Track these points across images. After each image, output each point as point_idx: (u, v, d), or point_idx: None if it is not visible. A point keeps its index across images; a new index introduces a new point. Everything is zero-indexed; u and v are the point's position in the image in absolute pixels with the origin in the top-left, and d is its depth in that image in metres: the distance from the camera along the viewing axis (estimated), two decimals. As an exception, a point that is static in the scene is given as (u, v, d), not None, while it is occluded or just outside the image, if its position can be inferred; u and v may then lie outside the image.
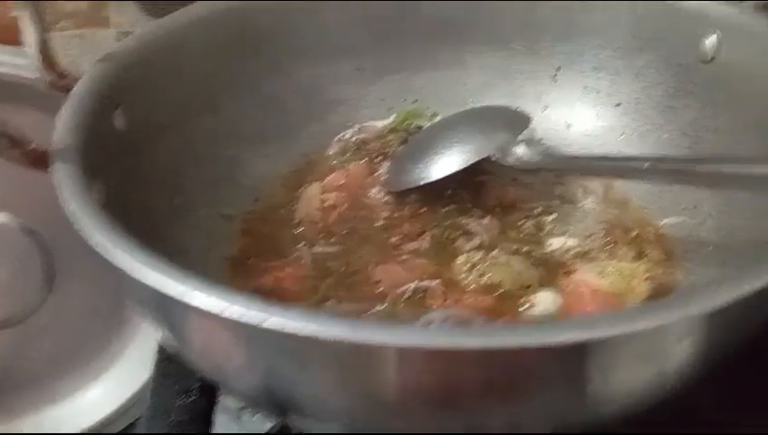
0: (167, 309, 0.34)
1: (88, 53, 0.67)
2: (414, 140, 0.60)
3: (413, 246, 0.52)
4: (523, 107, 0.62)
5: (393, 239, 0.53)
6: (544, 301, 0.47)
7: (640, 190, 0.54)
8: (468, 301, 0.47)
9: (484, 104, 0.63)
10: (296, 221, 0.54)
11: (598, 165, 0.51)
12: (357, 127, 0.63)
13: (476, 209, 0.54)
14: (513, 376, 0.32)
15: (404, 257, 0.51)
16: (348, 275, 0.50)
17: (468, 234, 0.53)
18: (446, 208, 0.55)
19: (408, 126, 0.63)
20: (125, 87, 0.48)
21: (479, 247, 0.51)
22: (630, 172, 0.47)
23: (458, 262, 0.50)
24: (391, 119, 0.63)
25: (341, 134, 0.62)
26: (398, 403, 0.33)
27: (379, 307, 0.47)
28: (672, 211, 0.52)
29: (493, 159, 0.53)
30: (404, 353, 0.31)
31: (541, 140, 0.61)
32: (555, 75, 0.62)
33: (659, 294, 0.46)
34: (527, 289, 0.48)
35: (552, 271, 0.49)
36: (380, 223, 0.55)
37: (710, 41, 0.52)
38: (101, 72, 0.47)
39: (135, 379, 0.72)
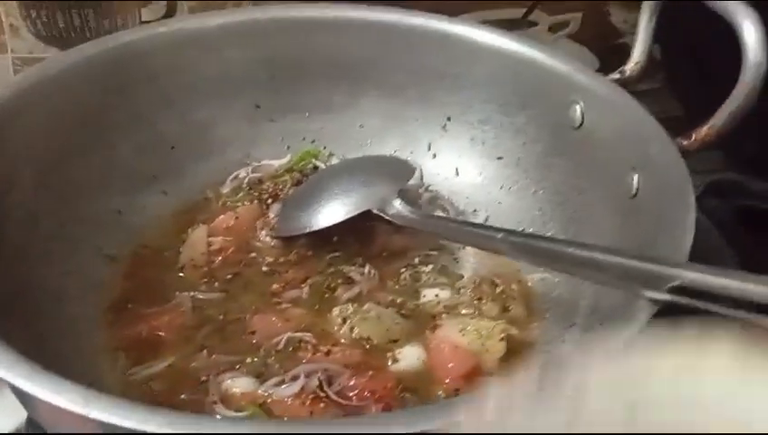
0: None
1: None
2: (304, 185, 0.61)
3: (293, 294, 0.54)
4: (415, 152, 0.65)
5: (275, 286, 0.54)
6: (410, 356, 0.49)
7: None
8: (338, 355, 0.49)
9: (380, 146, 0.66)
10: (180, 265, 0.55)
11: (463, 230, 0.54)
12: (252, 166, 0.64)
13: (360, 257, 0.56)
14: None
15: (283, 306, 0.53)
16: (225, 324, 0.51)
17: (349, 282, 0.55)
18: (332, 255, 0.57)
19: (304, 166, 0.64)
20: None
21: (355, 299, 0.53)
22: (488, 242, 0.49)
23: (333, 314, 0.52)
24: (287, 158, 0.65)
25: (236, 173, 0.63)
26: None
27: (250, 359, 0.49)
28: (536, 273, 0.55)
29: (374, 211, 0.55)
30: None
31: (429, 186, 0.63)
32: (445, 125, 0.64)
33: (515, 352, 0.49)
34: (394, 343, 0.50)
35: (420, 324, 0.52)
36: (265, 268, 0.56)
37: (577, 108, 0.55)
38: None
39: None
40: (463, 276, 0.56)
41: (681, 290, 0.36)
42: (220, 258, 0.56)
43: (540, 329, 0.52)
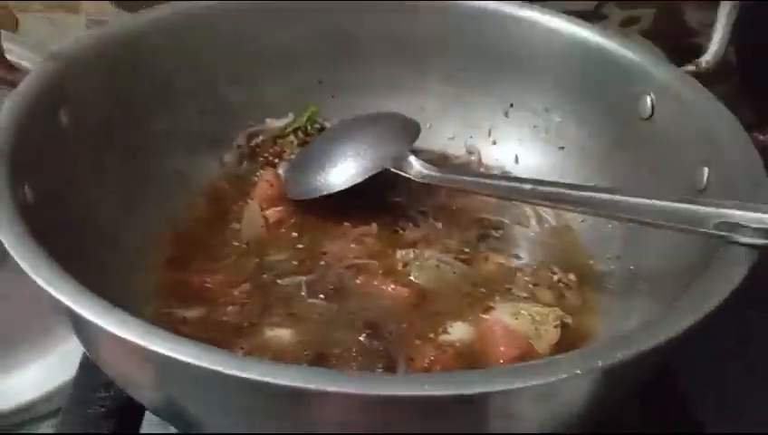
0: (77, 323, 0.35)
1: (56, 37, 0.68)
2: (312, 146, 0.61)
3: (363, 230, 0.56)
4: (475, 137, 0.65)
5: (345, 224, 0.56)
6: (460, 331, 0.49)
7: (587, 229, 0.57)
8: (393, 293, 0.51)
9: (440, 130, 0.65)
10: (245, 242, 0.56)
11: (485, 183, 0.53)
12: (255, 128, 0.63)
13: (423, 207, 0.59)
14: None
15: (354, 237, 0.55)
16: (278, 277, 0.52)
17: (416, 225, 0.57)
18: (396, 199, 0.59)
19: (308, 125, 0.64)
20: (71, 86, 0.49)
21: (420, 243, 0.55)
22: (516, 193, 0.50)
23: (396, 256, 0.54)
24: (290, 118, 0.64)
25: (237, 138, 0.63)
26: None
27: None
28: (601, 257, 0.55)
29: (392, 169, 0.55)
30: (298, 394, 0.31)
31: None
32: (507, 111, 0.64)
33: (569, 340, 0.49)
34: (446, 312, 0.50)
35: (478, 287, 0.52)
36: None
37: (647, 99, 0.53)
38: (47, 71, 0.48)
39: (66, 370, 0.73)
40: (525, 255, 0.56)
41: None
42: (282, 230, 0.57)
43: (595, 321, 0.51)
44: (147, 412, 0.50)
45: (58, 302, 0.33)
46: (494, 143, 0.64)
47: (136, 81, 0.55)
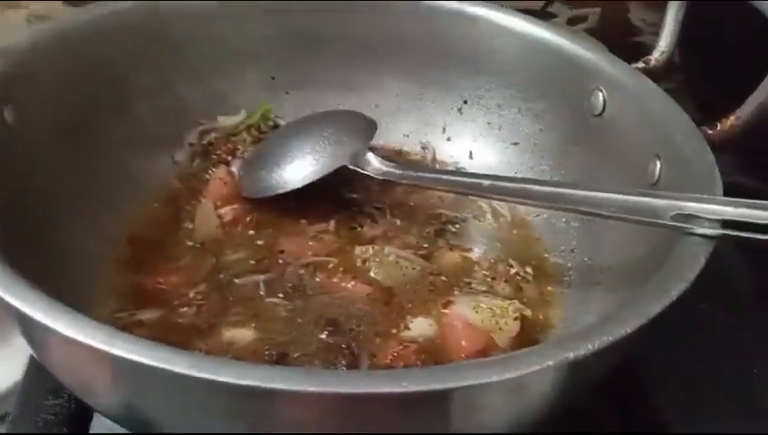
0: (27, 326, 0.34)
1: (-3, 34, 0.66)
2: (267, 143, 0.61)
3: (320, 227, 0.56)
4: (430, 135, 0.65)
5: (302, 221, 0.56)
6: (422, 327, 0.49)
7: (542, 222, 0.58)
8: (353, 289, 0.51)
9: (395, 127, 0.65)
10: (199, 242, 0.54)
11: (445, 179, 0.54)
12: (206, 125, 0.62)
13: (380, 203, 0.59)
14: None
15: (311, 234, 0.55)
16: (236, 277, 0.51)
17: (374, 222, 0.57)
18: (351, 195, 0.59)
19: (262, 123, 0.63)
20: (17, 84, 0.47)
21: (379, 240, 0.55)
22: (474, 189, 0.50)
23: (356, 253, 0.54)
24: (242, 115, 0.63)
25: (188, 136, 0.61)
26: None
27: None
28: (556, 250, 0.55)
29: (350, 166, 0.55)
30: (267, 394, 0.30)
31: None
32: (461, 108, 0.64)
33: (528, 333, 0.49)
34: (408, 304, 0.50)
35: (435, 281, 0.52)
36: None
37: (599, 95, 0.55)
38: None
39: (11, 374, 0.70)
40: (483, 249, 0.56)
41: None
42: (238, 228, 0.56)
43: (552, 312, 0.52)
44: (95, 416, 0.48)
45: (8, 304, 0.32)
46: (449, 140, 0.65)
47: (85, 79, 0.54)
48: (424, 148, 0.65)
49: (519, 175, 0.60)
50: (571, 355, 0.31)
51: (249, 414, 0.32)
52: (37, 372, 0.49)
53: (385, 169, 0.54)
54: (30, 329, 0.34)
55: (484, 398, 0.32)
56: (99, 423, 0.48)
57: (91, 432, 0.48)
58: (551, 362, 0.31)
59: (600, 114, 0.55)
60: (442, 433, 0.33)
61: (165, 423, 0.35)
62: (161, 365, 0.29)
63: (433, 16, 0.62)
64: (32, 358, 0.50)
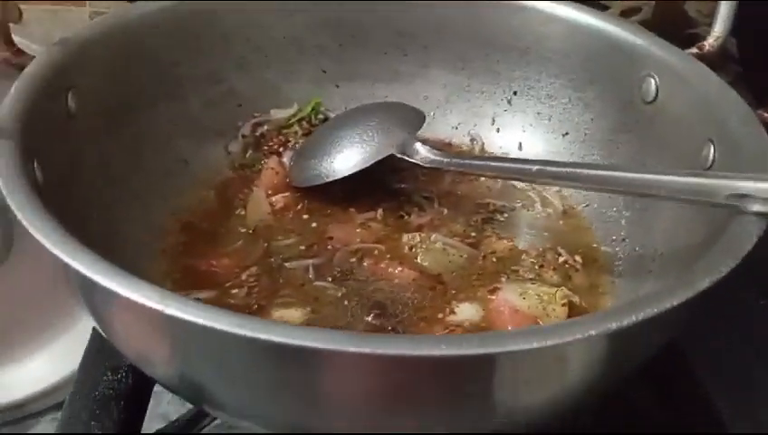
0: (88, 291, 0.35)
1: (60, 29, 0.68)
2: (316, 134, 0.62)
3: (368, 215, 0.56)
4: (479, 126, 0.65)
5: (351, 209, 0.57)
6: (467, 311, 0.49)
7: (592, 212, 0.57)
8: (400, 275, 0.51)
9: (444, 118, 0.66)
10: (251, 228, 0.56)
11: (493, 165, 0.54)
12: (259, 118, 0.63)
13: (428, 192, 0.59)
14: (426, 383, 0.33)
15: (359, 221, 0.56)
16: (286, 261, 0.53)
17: (421, 210, 0.57)
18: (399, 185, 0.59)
19: (312, 116, 0.64)
20: (78, 72, 0.49)
21: (425, 227, 0.56)
22: (523, 174, 0.51)
23: (403, 240, 0.54)
24: (294, 108, 0.64)
25: (241, 127, 0.63)
26: (310, 403, 0.35)
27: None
28: (607, 239, 0.55)
29: (398, 155, 0.55)
30: (315, 355, 0.31)
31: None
32: (511, 99, 0.64)
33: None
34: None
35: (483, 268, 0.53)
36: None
37: (651, 82, 0.54)
38: (55, 55, 0.48)
39: (78, 355, 0.73)
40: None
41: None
42: (289, 215, 0.57)
43: (603, 301, 0.51)
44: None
45: (75, 272, 0.33)
46: (498, 131, 0.65)
47: (141, 69, 0.56)
48: (472, 140, 0.65)
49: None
50: (614, 325, 0.31)
51: (302, 383, 0.33)
52: (97, 352, 0.51)
53: (432, 157, 0.54)
54: (98, 300, 0.36)
55: (524, 366, 0.32)
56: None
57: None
58: (593, 332, 0.31)
59: (653, 101, 0.54)
60: (484, 404, 0.33)
61: (223, 394, 0.36)
62: (210, 323, 0.30)
63: (480, 6, 0.62)
64: (91, 338, 0.52)
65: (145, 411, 0.50)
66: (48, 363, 0.78)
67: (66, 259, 0.33)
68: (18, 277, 0.75)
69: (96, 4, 0.69)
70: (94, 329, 0.53)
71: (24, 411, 0.77)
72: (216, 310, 0.30)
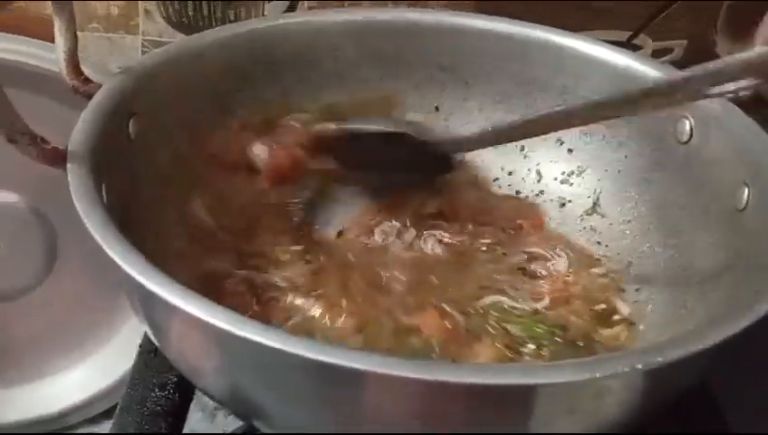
0: (149, 305, 0.37)
1: (114, 55, 0.72)
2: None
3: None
4: (510, 159, 0.67)
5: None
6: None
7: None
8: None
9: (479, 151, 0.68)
10: None
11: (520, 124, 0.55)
12: None
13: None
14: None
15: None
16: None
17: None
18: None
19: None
20: (140, 99, 0.52)
21: None
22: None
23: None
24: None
25: None
26: (359, 424, 0.37)
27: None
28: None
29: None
30: (368, 377, 0.33)
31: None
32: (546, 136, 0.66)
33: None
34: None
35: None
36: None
37: (686, 123, 0.55)
38: (121, 84, 0.50)
39: (120, 365, 0.75)
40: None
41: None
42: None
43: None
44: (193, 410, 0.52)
45: (135, 283, 0.35)
46: (533, 167, 0.66)
47: (197, 97, 0.58)
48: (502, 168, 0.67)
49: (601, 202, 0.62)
50: (660, 360, 0.33)
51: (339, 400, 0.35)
52: (144, 367, 0.53)
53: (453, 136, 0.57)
54: (161, 315, 0.38)
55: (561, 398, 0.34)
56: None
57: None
58: (639, 366, 0.32)
59: (687, 142, 0.56)
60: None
61: (263, 405, 0.38)
62: (255, 338, 0.32)
63: (520, 44, 0.64)
64: (139, 353, 0.54)
65: (182, 429, 0.52)
66: (83, 378, 0.80)
67: (142, 280, 0.35)
68: (58, 292, 0.78)
69: (148, 32, 0.72)
70: (141, 345, 0.55)
71: (59, 424, 0.80)
72: (277, 330, 0.33)
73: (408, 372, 0.33)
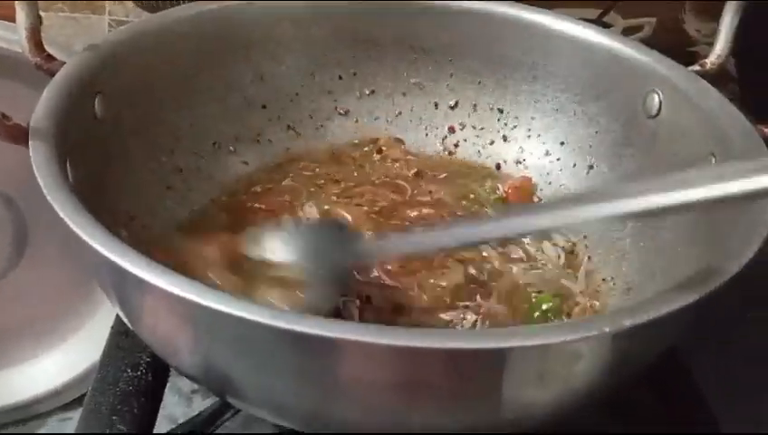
0: (119, 282, 0.37)
1: (80, 35, 0.70)
2: None
3: None
4: (486, 134, 0.67)
5: None
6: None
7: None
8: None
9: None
10: None
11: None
12: None
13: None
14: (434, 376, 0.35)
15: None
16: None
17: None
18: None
19: None
20: (106, 77, 0.51)
21: None
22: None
23: None
24: None
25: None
26: (328, 394, 0.37)
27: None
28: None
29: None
30: (340, 345, 0.34)
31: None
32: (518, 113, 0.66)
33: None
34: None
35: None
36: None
37: (655, 97, 0.56)
38: (85, 61, 0.50)
39: (92, 352, 0.74)
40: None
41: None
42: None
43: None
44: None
45: (115, 268, 0.35)
46: (506, 139, 0.67)
47: (164, 76, 0.57)
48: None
49: (571, 178, 0.63)
50: (629, 322, 0.33)
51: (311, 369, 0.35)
52: (116, 348, 0.52)
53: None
54: (126, 290, 0.38)
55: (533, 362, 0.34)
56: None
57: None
58: (607, 329, 0.33)
59: (656, 115, 0.56)
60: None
61: (238, 379, 0.38)
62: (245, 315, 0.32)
63: (489, 22, 0.64)
64: (111, 334, 0.54)
65: (158, 411, 0.52)
66: (55, 365, 0.79)
67: (108, 254, 0.34)
68: (28, 280, 0.77)
69: (115, 12, 0.71)
70: (113, 327, 0.55)
71: (30, 412, 0.79)
72: (249, 301, 0.32)
73: (380, 338, 0.33)
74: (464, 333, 0.35)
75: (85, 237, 0.35)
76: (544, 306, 0.52)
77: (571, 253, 0.58)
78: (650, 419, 0.50)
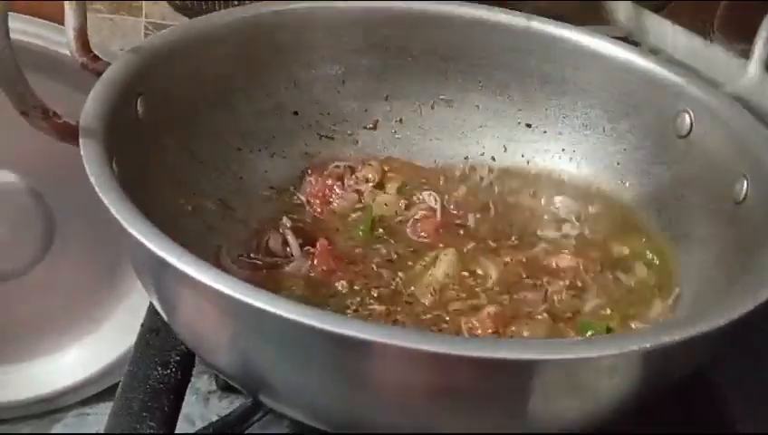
0: (160, 275, 0.38)
1: (116, 37, 0.72)
2: None
3: None
4: (512, 150, 0.68)
5: None
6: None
7: None
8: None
9: (477, 141, 0.68)
10: None
11: None
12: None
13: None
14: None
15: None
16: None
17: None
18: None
19: None
20: (147, 79, 0.52)
21: None
22: None
23: None
24: None
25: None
26: (367, 398, 0.37)
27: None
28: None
29: None
30: (376, 349, 0.34)
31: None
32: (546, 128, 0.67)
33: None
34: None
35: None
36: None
37: (686, 117, 0.56)
38: (129, 63, 0.51)
39: (117, 345, 0.75)
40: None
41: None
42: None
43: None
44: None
45: (158, 259, 0.35)
46: (532, 158, 0.67)
47: (202, 79, 0.58)
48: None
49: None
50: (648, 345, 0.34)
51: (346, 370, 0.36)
52: (147, 345, 0.53)
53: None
54: (161, 278, 0.38)
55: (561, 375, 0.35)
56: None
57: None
58: (647, 345, 0.33)
59: (686, 135, 0.57)
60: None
61: (273, 378, 0.39)
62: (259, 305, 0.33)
63: (520, 35, 0.65)
64: (141, 332, 0.55)
65: (180, 410, 0.53)
66: (76, 360, 0.80)
67: (155, 249, 0.35)
68: (53, 274, 0.77)
69: (151, 14, 0.72)
70: (143, 325, 0.55)
71: (54, 405, 0.79)
72: (288, 300, 0.33)
73: (413, 343, 0.33)
74: (488, 343, 0.35)
75: (133, 232, 0.36)
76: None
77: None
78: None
